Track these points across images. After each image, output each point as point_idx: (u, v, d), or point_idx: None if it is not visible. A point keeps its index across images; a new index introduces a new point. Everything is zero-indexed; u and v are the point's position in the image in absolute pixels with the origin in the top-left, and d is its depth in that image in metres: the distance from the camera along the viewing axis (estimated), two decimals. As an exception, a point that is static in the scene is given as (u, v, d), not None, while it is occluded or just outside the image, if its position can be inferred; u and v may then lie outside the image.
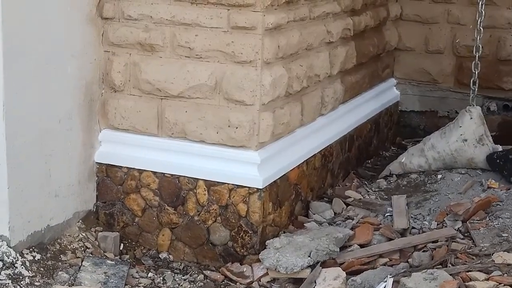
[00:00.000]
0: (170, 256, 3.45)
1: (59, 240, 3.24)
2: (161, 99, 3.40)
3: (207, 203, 3.38)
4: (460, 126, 4.14)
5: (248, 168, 3.31)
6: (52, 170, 3.22)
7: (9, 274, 2.92)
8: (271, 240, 3.30)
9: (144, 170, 3.44)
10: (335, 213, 3.81)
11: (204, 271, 3.35)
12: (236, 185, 3.32)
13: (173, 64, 3.35)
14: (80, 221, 3.41)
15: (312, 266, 3.17)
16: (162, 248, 3.47)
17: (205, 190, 3.37)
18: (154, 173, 3.43)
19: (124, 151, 3.46)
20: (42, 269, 3.05)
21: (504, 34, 4.85)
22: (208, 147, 3.35)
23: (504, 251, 3.09)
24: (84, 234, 3.35)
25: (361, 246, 3.37)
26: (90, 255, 3.24)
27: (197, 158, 3.36)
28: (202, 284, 3.26)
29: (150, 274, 3.29)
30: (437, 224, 3.57)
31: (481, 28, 4.16)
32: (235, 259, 3.36)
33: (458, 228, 3.46)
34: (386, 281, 2.95)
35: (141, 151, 3.43)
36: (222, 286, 3.26)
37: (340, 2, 3.98)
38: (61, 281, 3.04)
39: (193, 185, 3.39)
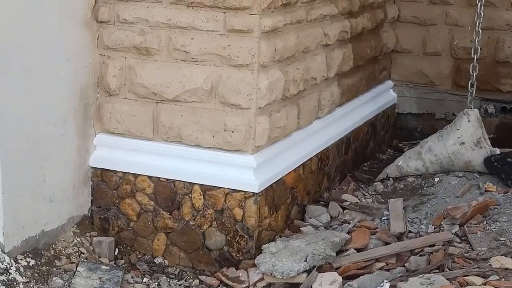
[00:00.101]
0: (165, 261, 3.43)
1: (53, 246, 3.22)
2: (157, 103, 3.38)
3: (203, 208, 3.36)
4: (458, 129, 4.13)
5: (244, 172, 3.29)
6: (47, 175, 3.20)
7: (3, 280, 2.90)
8: (267, 244, 3.29)
9: (139, 174, 3.42)
10: (331, 217, 3.80)
11: (199, 276, 3.34)
12: (232, 189, 3.31)
13: (168, 68, 3.33)
14: (75, 226, 3.39)
15: (308, 271, 3.16)
16: (157, 253, 3.45)
17: (200, 195, 3.35)
18: (150, 177, 3.41)
19: (119, 156, 3.44)
20: (36, 274, 3.04)
21: (502, 36, 4.84)
22: (204, 151, 3.34)
23: (502, 255, 3.08)
24: (78, 239, 3.34)
25: (358, 250, 3.36)
26: (85, 260, 3.23)
27: (193, 162, 3.34)
28: (197, 289, 3.25)
29: (145, 279, 3.28)
30: (434, 228, 3.56)
31: (479, 29, 4.15)
32: (230, 264, 3.34)
33: (455, 232, 3.45)
34: (382, 286, 2.94)
35: (136, 155, 3.42)
36: (217, 291, 3.25)
37: (337, 4, 3.97)
38: (55, 287, 3.03)
39: (189, 190, 3.37)
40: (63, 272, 3.12)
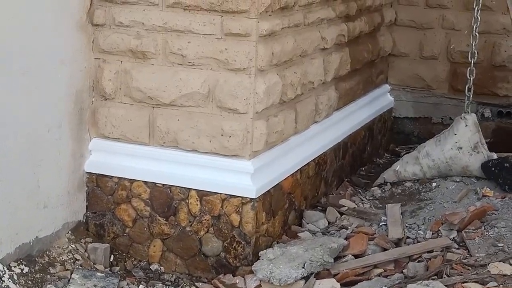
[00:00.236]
0: (161, 267, 3.40)
1: (47, 252, 3.18)
2: (153, 107, 3.35)
3: (199, 214, 3.33)
4: (455, 134, 4.12)
5: (241, 178, 3.27)
6: (41, 180, 3.16)
7: (-4, 288, 2.86)
8: (265, 251, 3.27)
9: (135, 179, 3.39)
10: (329, 222, 3.78)
11: (196, 283, 3.31)
12: (229, 195, 3.28)
13: (165, 72, 3.30)
14: (70, 232, 3.35)
15: (306, 278, 3.14)
16: (153, 259, 3.42)
17: (197, 200, 3.32)
18: (145, 182, 3.38)
19: (114, 161, 3.40)
20: (30, 282, 3.00)
21: (499, 40, 4.84)
22: (201, 156, 3.31)
23: (500, 261, 3.08)
24: (73, 246, 3.30)
25: (356, 256, 3.34)
26: (80, 267, 3.19)
27: (189, 168, 3.31)
28: (194, 296, 3.22)
29: (141, 286, 3.25)
30: (432, 234, 3.55)
31: (476, 33, 4.14)
32: (227, 271, 3.31)
33: (453, 237, 3.44)
34: (381, 293, 2.92)
35: (132, 160, 3.38)
36: (214, 298, 3.22)
37: (334, 8, 3.95)
38: (49, 294, 2.99)
39: (185, 195, 3.34)
40: (57, 280, 3.08)
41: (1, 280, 2.91)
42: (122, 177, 3.40)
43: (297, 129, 3.68)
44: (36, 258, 3.12)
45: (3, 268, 2.95)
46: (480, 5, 4.15)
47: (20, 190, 3.06)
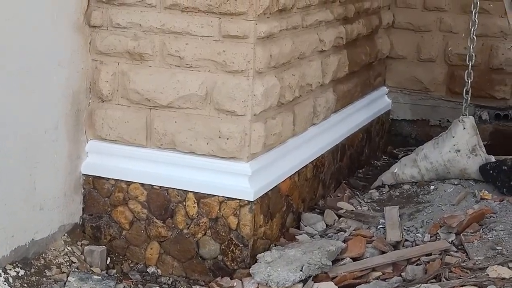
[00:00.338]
0: (158, 270, 3.38)
1: (43, 255, 3.16)
2: (150, 109, 3.34)
3: (197, 216, 3.31)
4: (453, 136, 4.12)
5: (239, 180, 3.25)
6: (37, 182, 3.14)
7: (-8, 291, 2.84)
8: (262, 253, 3.25)
9: (132, 182, 3.37)
10: (327, 225, 3.77)
11: (193, 286, 3.30)
12: (226, 197, 3.27)
13: (162, 74, 3.29)
14: (66, 234, 3.33)
15: (304, 281, 3.12)
16: (150, 262, 3.40)
17: (194, 203, 3.31)
18: (142, 185, 3.36)
19: (111, 163, 3.39)
20: (26, 285, 2.97)
21: (496, 43, 4.85)
22: (198, 158, 3.29)
23: (499, 264, 3.07)
24: (69, 248, 3.28)
25: (354, 259, 3.33)
26: (76, 270, 3.17)
27: (187, 170, 3.30)
28: (191, 299, 3.20)
29: (137, 289, 3.23)
30: (431, 237, 3.54)
31: (474, 36, 4.15)
32: (225, 274, 3.30)
33: (452, 240, 3.44)
34: (379, 297, 2.91)
35: (129, 162, 3.37)
36: (211, 301, 3.20)
37: (332, 10, 3.95)
38: (46, 297, 2.97)
39: (183, 198, 3.32)
40: (53, 282, 3.06)
41: (-3, 283, 2.89)
42: (119, 179, 3.38)
43: (295, 131, 3.67)
44: (32, 261, 3.10)
45: (-1, 271, 2.94)
46: (478, 8, 4.16)
47: (16, 192, 3.04)
